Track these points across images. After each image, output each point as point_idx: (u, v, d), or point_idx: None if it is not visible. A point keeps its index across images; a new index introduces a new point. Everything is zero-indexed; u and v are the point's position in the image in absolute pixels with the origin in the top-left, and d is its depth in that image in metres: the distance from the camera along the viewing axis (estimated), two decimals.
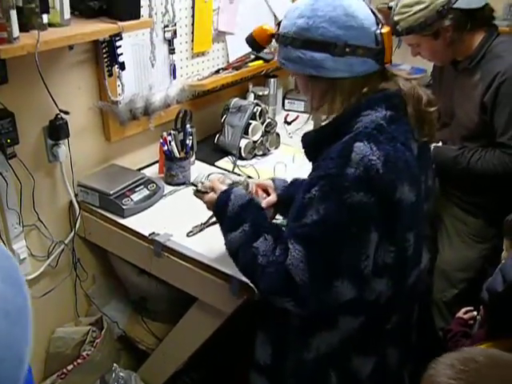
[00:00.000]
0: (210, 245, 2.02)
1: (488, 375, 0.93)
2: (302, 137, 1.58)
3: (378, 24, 1.43)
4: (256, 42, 1.62)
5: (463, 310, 2.04)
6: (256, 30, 1.61)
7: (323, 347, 1.59)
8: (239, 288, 1.86)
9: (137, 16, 2.06)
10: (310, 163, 1.53)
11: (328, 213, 1.36)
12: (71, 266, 2.48)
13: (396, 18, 2.23)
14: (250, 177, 2.52)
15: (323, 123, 1.56)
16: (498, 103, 2.20)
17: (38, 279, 2.35)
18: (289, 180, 1.91)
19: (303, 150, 1.58)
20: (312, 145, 1.55)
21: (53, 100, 2.05)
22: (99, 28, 1.95)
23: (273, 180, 1.92)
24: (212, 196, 1.70)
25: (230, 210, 1.58)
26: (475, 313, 1.99)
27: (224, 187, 1.69)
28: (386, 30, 1.43)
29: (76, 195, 2.35)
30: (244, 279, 1.76)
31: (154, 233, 2.12)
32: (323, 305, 1.46)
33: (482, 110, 2.26)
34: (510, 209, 2.05)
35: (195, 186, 1.86)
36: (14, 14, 1.64)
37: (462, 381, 0.92)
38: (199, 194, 1.78)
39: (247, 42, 1.65)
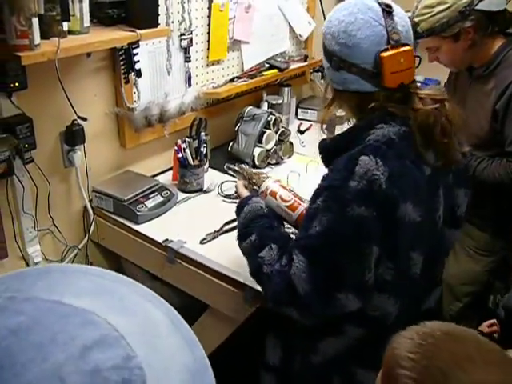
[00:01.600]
0: (224, 252, 2.04)
1: (443, 349, 0.96)
2: (319, 143, 1.61)
3: (387, 43, 1.39)
4: None
5: (487, 323, 2.02)
6: None
7: (330, 352, 1.63)
8: (252, 296, 1.88)
9: (155, 24, 2.09)
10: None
11: (330, 224, 1.38)
12: None
13: (417, 20, 2.21)
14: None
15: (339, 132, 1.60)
16: (509, 111, 2.19)
17: None
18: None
19: (320, 156, 1.62)
20: (327, 152, 1.58)
21: (71, 106, 2.08)
22: (117, 36, 1.98)
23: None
24: (238, 185, 1.82)
25: (240, 221, 1.66)
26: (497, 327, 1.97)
27: (246, 194, 1.75)
28: (388, 53, 1.38)
29: (90, 200, 2.38)
30: (257, 287, 1.79)
31: (167, 239, 2.14)
32: (327, 315, 1.50)
33: (493, 117, 2.25)
34: None
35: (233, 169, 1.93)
36: (35, 21, 1.67)
37: (418, 354, 0.95)
38: (234, 172, 1.89)
39: None
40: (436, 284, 1.67)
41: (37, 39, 1.69)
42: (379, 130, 1.42)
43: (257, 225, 1.60)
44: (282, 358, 1.74)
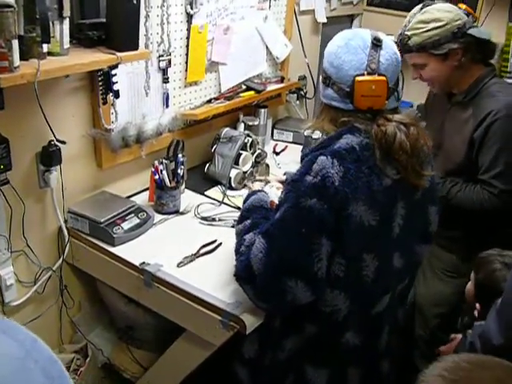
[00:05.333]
0: (201, 276, 2.04)
1: (476, 378, 0.96)
2: (301, 151, 1.83)
3: (365, 70, 1.58)
4: None
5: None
6: None
7: (291, 349, 1.80)
8: (230, 321, 1.87)
9: (135, 47, 2.08)
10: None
11: (285, 213, 1.57)
12: (58, 293, 2.46)
13: (409, 33, 2.26)
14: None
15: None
16: (486, 141, 2.24)
17: (24, 305, 2.33)
18: None
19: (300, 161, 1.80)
20: (304, 157, 1.70)
21: (49, 127, 2.05)
22: (97, 59, 1.96)
23: (285, 173, 2.39)
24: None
25: (244, 205, 1.92)
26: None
27: (256, 188, 2.06)
28: (361, 78, 1.58)
29: (66, 221, 2.34)
30: (235, 312, 1.80)
31: (144, 262, 2.12)
32: (281, 303, 1.65)
33: (469, 145, 2.29)
34: (484, 245, 2.08)
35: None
36: (15, 43, 1.65)
37: None
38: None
39: None
40: (388, 292, 1.78)
41: (16, 61, 1.67)
42: (344, 139, 1.59)
43: (256, 212, 1.83)
44: (258, 351, 1.92)
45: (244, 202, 1.96)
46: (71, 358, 2.46)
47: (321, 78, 1.74)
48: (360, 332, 1.75)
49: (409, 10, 2.39)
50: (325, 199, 1.51)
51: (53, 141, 2.16)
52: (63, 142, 2.10)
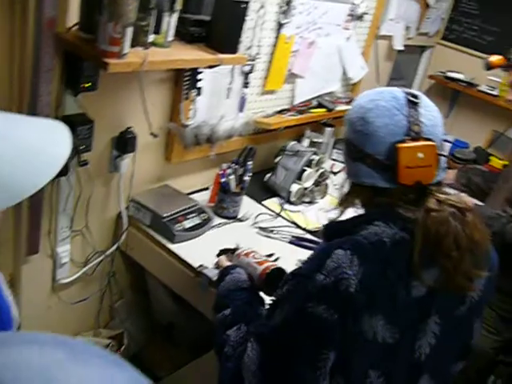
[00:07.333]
0: None
1: None
2: (326, 224, 1.45)
3: (406, 134, 1.25)
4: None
5: None
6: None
7: None
8: None
9: (234, 51, 2.06)
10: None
11: (287, 319, 1.25)
12: (105, 278, 2.46)
13: None
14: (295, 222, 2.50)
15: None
16: None
17: (72, 284, 2.33)
18: None
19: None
20: (326, 229, 1.43)
21: (148, 119, 2.06)
22: (199, 57, 1.95)
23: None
24: (221, 259, 1.86)
25: (220, 290, 1.61)
26: None
27: (227, 264, 1.76)
28: (405, 145, 1.24)
29: (127, 209, 2.33)
30: None
31: (202, 265, 2.09)
32: None
33: None
34: None
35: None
36: (130, 31, 1.63)
37: None
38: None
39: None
40: None
41: (126, 48, 1.66)
42: (374, 228, 1.26)
43: (235, 298, 1.53)
44: None
45: (217, 281, 1.68)
46: (107, 343, 2.45)
47: (344, 152, 1.39)
48: None
49: (486, 52, 2.32)
50: (335, 308, 1.18)
51: (130, 127, 2.16)
52: (155, 136, 2.09)
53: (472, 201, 1.42)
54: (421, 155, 1.23)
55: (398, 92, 1.30)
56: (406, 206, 1.28)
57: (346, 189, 1.42)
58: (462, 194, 1.45)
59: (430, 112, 1.29)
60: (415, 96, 1.28)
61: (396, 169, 1.24)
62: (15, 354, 0.45)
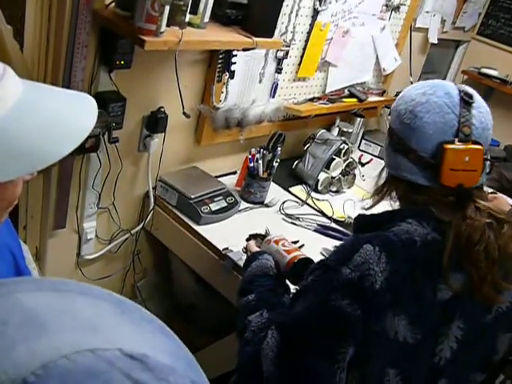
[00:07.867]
0: None
1: None
2: (357, 216, 1.44)
3: (456, 135, 1.21)
4: None
5: None
6: None
7: None
8: None
9: (270, 35, 2.04)
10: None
11: (310, 308, 1.23)
12: (129, 256, 2.47)
13: None
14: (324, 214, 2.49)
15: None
16: None
17: (96, 260, 2.35)
18: None
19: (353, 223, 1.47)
20: (357, 222, 1.42)
21: (181, 98, 2.08)
22: (235, 39, 1.94)
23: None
24: (250, 244, 1.82)
25: (245, 275, 1.61)
26: None
27: (256, 249, 1.74)
28: (453, 146, 1.20)
29: (154, 188, 2.34)
30: None
31: (227, 248, 2.10)
32: None
33: None
34: None
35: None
36: (167, 9, 1.63)
37: None
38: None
39: None
40: None
41: (163, 27, 1.66)
42: (407, 224, 1.24)
43: (260, 284, 1.53)
44: None
45: (244, 267, 1.68)
46: None
47: (386, 141, 1.36)
48: None
49: None
50: (359, 303, 1.16)
51: (162, 107, 2.16)
52: (188, 116, 2.09)
53: (509, 202, 1.38)
54: (467, 159, 1.20)
55: (452, 88, 1.25)
56: (443, 208, 1.25)
57: (382, 180, 1.39)
58: (500, 195, 1.40)
59: (483, 114, 1.24)
60: (470, 95, 1.23)
61: (439, 169, 1.21)
62: (69, 301, 0.45)
